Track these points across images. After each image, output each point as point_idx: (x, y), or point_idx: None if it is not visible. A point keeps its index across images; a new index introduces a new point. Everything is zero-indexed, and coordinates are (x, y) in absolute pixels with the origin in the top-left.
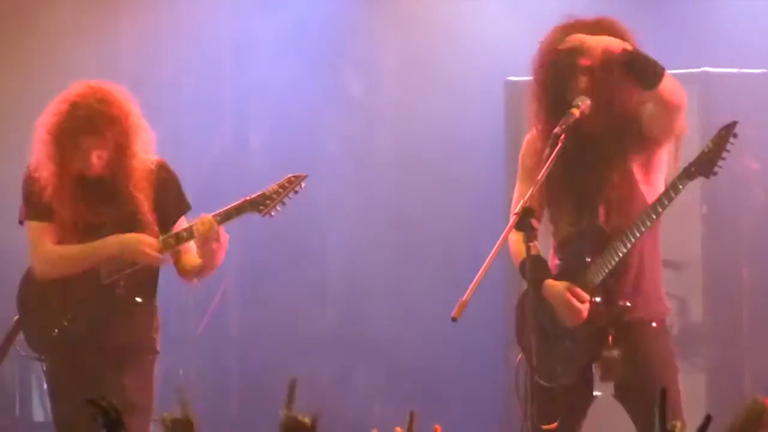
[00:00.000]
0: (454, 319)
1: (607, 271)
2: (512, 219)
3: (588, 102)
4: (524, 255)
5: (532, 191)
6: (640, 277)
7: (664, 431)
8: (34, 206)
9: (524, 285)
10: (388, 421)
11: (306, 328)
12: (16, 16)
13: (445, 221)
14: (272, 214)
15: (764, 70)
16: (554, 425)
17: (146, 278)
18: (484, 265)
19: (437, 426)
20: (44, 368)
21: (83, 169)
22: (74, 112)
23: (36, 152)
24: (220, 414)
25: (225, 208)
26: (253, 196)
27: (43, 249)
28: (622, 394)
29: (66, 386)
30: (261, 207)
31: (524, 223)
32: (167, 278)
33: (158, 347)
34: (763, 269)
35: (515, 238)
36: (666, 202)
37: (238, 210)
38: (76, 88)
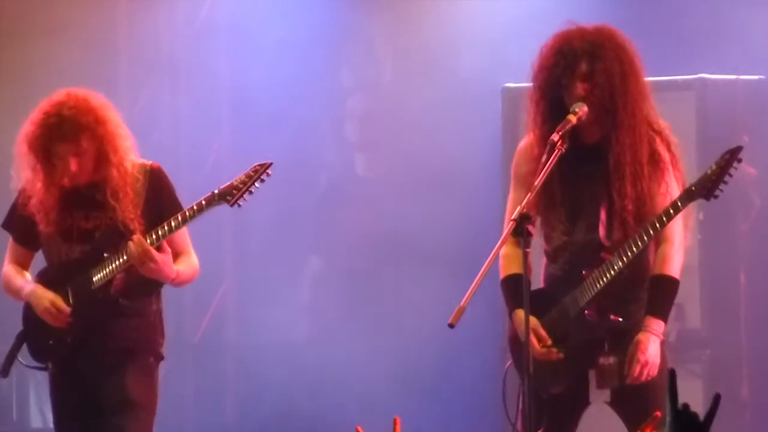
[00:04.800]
0: (451, 326)
1: (600, 286)
2: (509, 225)
3: (585, 108)
4: (506, 273)
5: (529, 197)
6: (636, 285)
7: (675, 412)
8: (14, 223)
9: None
10: (382, 425)
11: (303, 334)
12: (12, 19)
13: (442, 227)
14: (240, 204)
15: (761, 77)
16: None
17: (141, 282)
18: (481, 271)
19: (358, 427)
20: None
21: (66, 177)
22: (46, 120)
23: (22, 166)
24: (216, 420)
25: (195, 202)
26: (221, 187)
27: (3, 268)
28: (617, 401)
29: (66, 393)
30: (228, 197)
31: (521, 229)
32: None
33: (162, 351)
34: (760, 275)
35: (503, 253)
36: (665, 220)
37: (208, 202)
38: (55, 96)
